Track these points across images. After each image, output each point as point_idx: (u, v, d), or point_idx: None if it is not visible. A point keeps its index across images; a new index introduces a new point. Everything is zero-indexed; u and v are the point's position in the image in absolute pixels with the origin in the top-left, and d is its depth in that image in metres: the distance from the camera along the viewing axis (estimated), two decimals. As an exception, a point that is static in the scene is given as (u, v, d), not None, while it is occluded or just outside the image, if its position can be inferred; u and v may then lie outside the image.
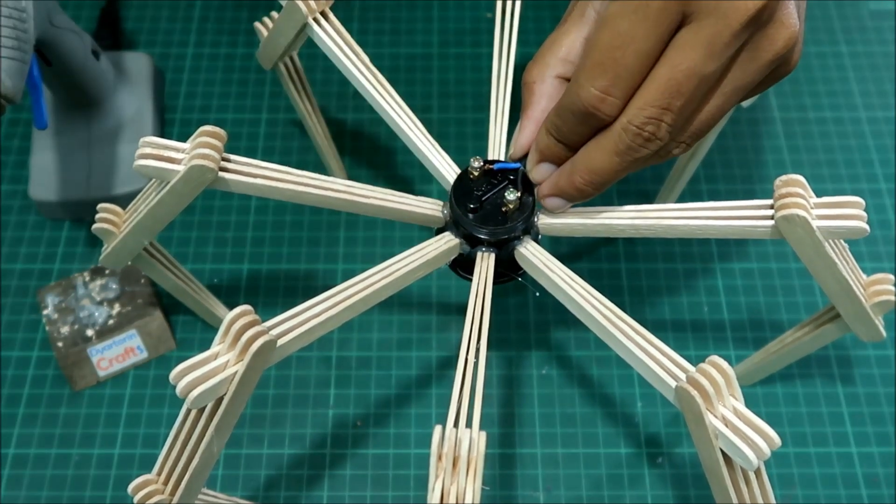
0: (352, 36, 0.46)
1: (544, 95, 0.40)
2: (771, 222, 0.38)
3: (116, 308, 0.54)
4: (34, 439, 0.51)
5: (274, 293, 0.57)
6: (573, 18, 0.40)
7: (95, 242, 0.58)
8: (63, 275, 0.57)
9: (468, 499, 0.31)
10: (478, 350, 0.36)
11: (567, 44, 0.39)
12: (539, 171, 0.40)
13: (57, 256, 0.58)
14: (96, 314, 0.53)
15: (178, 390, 0.32)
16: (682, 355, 0.36)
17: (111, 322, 0.53)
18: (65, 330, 0.53)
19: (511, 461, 0.51)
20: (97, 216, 0.44)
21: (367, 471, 0.51)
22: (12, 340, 0.55)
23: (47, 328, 0.53)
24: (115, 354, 0.53)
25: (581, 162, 0.38)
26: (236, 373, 0.33)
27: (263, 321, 0.35)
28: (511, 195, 0.40)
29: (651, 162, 0.38)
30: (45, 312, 0.54)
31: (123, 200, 0.47)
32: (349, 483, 0.51)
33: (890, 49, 0.69)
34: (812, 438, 0.52)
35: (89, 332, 0.53)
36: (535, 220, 0.42)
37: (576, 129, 0.37)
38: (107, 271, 0.55)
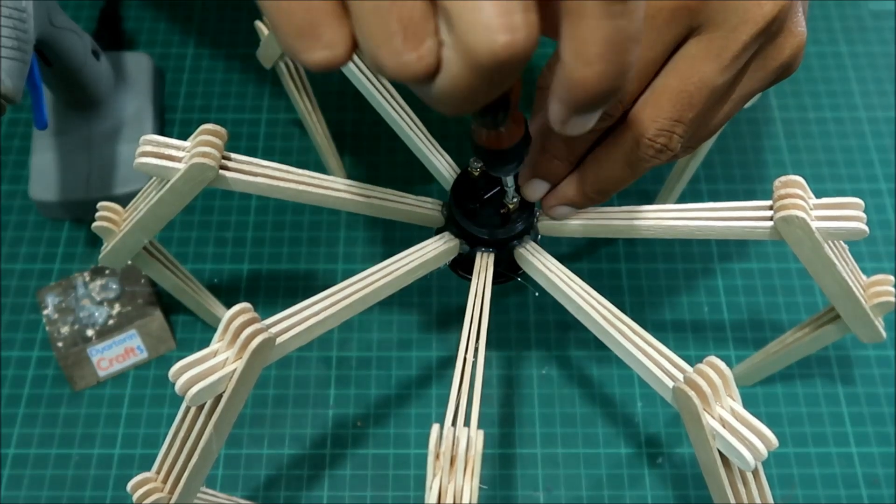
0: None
1: None
2: (770, 223, 0.38)
3: (116, 308, 0.54)
4: (34, 439, 0.51)
5: (274, 293, 0.57)
6: None
7: (95, 242, 0.58)
8: (63, 275, 0.57)
9: (465, 498, 0.30)
10: (476, 349, 0.36)
11: None
12: (533, 189, 0.40)
13: (57, 256, 0.58)
14: (96, 314, 0.53)
15: (177, 387, 0.32)
16: (682, 356, 0.36)
17: (111, 322, 0.53)
18: (65, 330, 0.53)
19: (511, 461, 0.51)
20: (97, 214, 0.44)
21: (367, 471, 0.51)
22: (12, 340, 0.55)
23: (47, 328, 0.53)
24: (115, 354, 0.53)
25: (590, 172, 0.38)
26: (235, 370, 0.33)
27: (263, 320, 0.35)
28: (511, 197, 0.40)
29: (658, 164, 0.38)
30: (45, 312, 0.54)
31: (123, 200, 0.47)
32: (349, 483, 0.51)
33: (890, 49, 0.69)
34: (812, 438, 0.52)
35: (89, 332, 0.53)
36: (535, 220, 0.42)
37: (574, 137, 0.37)
38: (107, 271, 0.55)
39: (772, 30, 0.34)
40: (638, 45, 0.25)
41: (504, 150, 0.33)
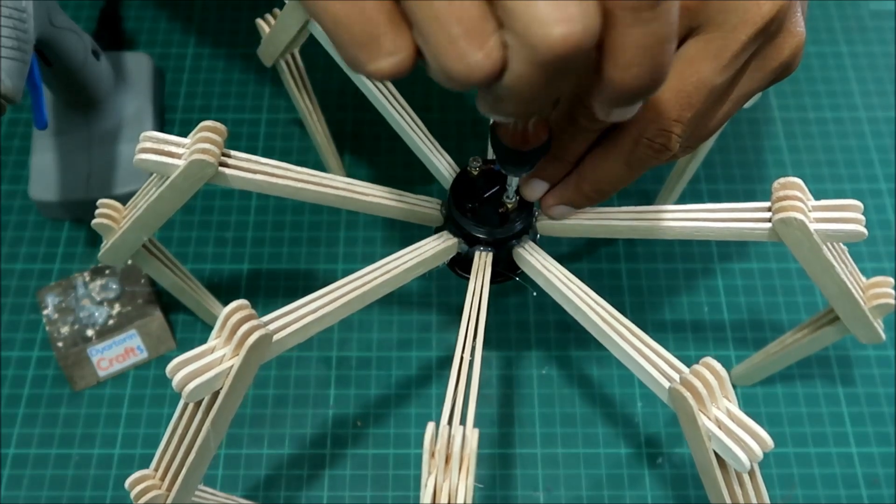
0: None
1: None
2: (768, 225, 0.38)
3: (116, 308, 0.54)
4: (34, 439, 0.51)
5: (274, 293, 0.57)
6: None
7: (95, 242, 0.58)
8: (63, 275, 0.57)
9: (461, 497, 0.30)
10: (473, 348, 0.36)
11: None
12: (532, 189, 0.40)
13: (57, 256, 0.58)
14: (96, 314, 0.53)
15: (174, 383, 0.32)
16: (682, 356, 0.36)
17: (111, 322, 0.53)
18: (65, 330, 0.53)
19: (511, 461, 0.51)
20: (97, 212, 0.44)
21: (367, 471, 0.51)
22: (12, 340, 0.55)
23: (47, 328, 0.53)
24: (115, 354, 0.53)
25: (589, 172, 0.38)
26: (232, 366, 0.33)
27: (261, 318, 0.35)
28: (510, 197, 0.40)
29: (657, 164, 0.38)
30: (45, 312, 0.54)
31: (123, 200, 0.47)
32: (349, 483, 0.51)
33: (890, 49, 0.69)
34: (812, 438, 0.52)
35: (89, 332, 0.53)
36: (534, 220, 0.42)
37: (573, 136, 0.37)
38: (107, 271, 0.55)
39: (770, 30, 0.34)
40: (672, 43, 0.26)
41: (526, 151, 0.33)
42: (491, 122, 0.34)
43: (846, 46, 0.69)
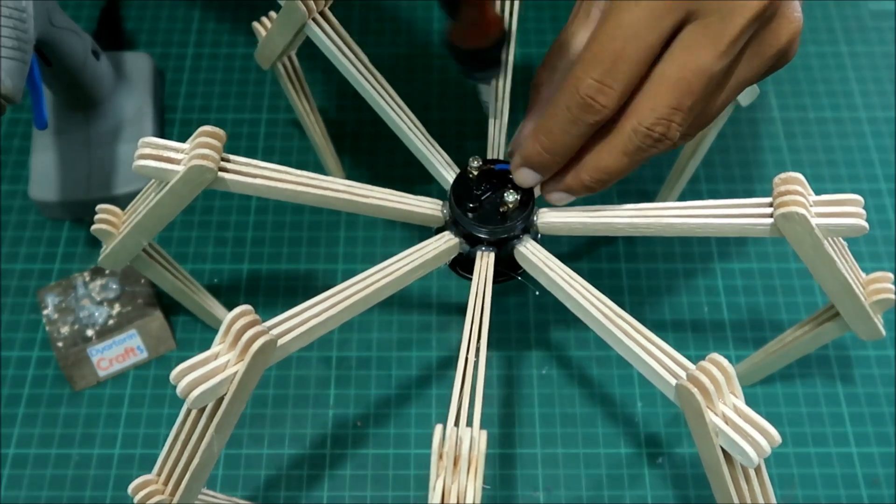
0: (352, 36, 0.46)
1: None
2: (770, 220, 0.38)
3: (116, 308, 0.54)
4: (34, 439, 0.51)
5: (274, 293, 0.57)
6: (579, 19, 0.39)
7: (95, 242, 0.58)
8: (63, 275, 0.57)
9: (469, 498, 0.31)
10: (478, 349, 0.36)
11: (574, 46, 0.39)
12: (523, 176, 0.40)
13: (57, 256, 0.58)
14: (96, 314, 0.53)
15: (178, 390, 0.32)
16: (682, 355, 0.36)
17: (111, 322, 0.53)
18: (65, 330, 0.53)
19: (511, 461, 0.51)
20: (96, 217, 0.44)
21: (367, 471, 0.51)
22: (12, 340, 0.55)
23: (47, 328, 0.53)
24: (115, 354, 0.53)
25: (589, 161, 0.38)
26: (237, 373, 0.33)
27: (263, 321, 0.35)
28: (510, 195, 0.40)
29: (657, 154, 0.38)
30: (45, 312, 0.54)
31: (123, 201, 0.47)
32: (349, 483, 0.51)
33: (890, 49, 0.69)
34: (812, 438, 0.52)
35: (89, 332, 0.53)
36: (535, 219, 0.42)
37: (567, 129, 0.37)
38: (107, 271, 0.55)
39: (767, 14, 0.34)
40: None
41: (481, 49, 0.33)
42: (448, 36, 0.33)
43: (846, 46, 0.69)
